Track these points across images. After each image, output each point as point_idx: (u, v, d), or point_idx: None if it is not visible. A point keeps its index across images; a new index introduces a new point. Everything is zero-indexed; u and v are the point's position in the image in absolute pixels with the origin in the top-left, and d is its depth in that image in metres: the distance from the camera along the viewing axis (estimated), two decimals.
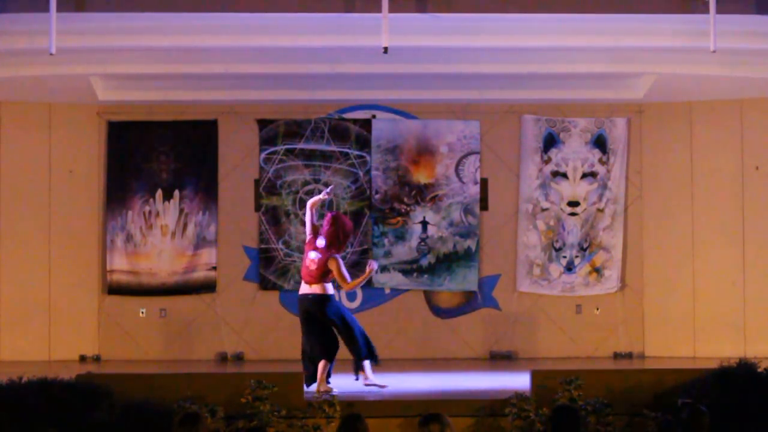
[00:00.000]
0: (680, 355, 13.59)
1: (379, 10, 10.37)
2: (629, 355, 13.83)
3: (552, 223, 13.99)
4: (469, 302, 13.93)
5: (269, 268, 13.89)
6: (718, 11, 10.48)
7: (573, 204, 14.00)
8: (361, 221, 13.92)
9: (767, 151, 13.71)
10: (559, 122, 14.03)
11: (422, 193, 13.97)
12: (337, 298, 10.40)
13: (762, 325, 13.53)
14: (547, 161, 14.02)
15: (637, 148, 14.02)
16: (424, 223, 13.94)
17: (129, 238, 13.84)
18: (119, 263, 13.82)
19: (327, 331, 10.05)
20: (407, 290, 13.94)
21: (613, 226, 13.97)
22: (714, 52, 10.62)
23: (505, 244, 13.99)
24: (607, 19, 11.32)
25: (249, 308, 13.85)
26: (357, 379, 10.13)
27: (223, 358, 13.73)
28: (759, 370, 8.95)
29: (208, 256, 13.89)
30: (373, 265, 10.39)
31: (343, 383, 10.40)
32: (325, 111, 13.99)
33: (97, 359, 13.67)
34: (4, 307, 13.62)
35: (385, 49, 10.42)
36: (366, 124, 14.01)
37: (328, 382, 9.90)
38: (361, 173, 13.97)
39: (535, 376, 9.43)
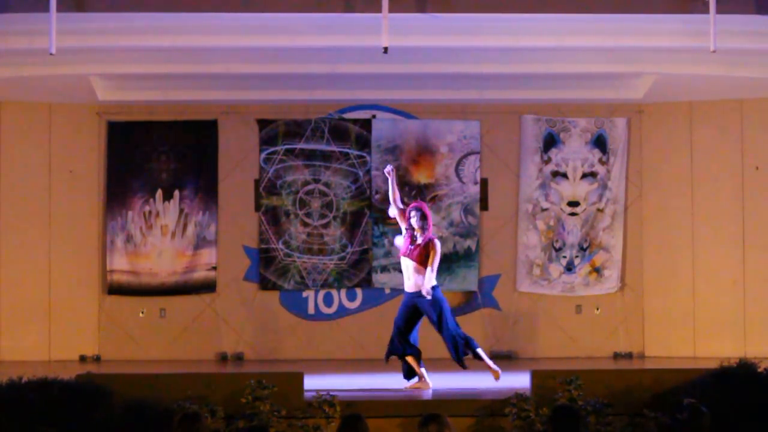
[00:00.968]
0: (680, 355, 13.60)
1: (379, 10, 10.36)
2: (629, 355, 13.83)
3: (552, 223, 13.99)
4: (469, 302, 13.93)
5: (269, 268, 13.90)
6: (718, 11, 10.48)
7: (573, 204, 14.00)
8: (361, 221, 13.93)
9: (767, 151, 13.71)
10: (559, 122, 14.03)
11: (422, 193, 13.97)
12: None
13: (762, 325, 13.54)
14: (547, 161, 14.02)
15: (637, 148, 14.03)
16: None
17: (129, 238, 13.84)
18: (119, 263, 13.82)
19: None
20: None
21: (613, 226, 13.97)
22: (714, 52, 10.61)
23: (505, 244, 13.99)
24: (607, 19, 11.31)
25: (249, 308, 13.85)
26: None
27: (223, 358, 13.73)
28: (759, 370, 8.95)
29: (208, 256, 13.90)
30: (387, 168, 10.78)
31: (343, 383, 10.41)
32: (325, 111, 13.99)
33: (97, 359, 13.67)
34: (4, 307, 13.62)
35: (385, 49, 10.41)
36: (366, 124, 14.02)
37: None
38: (361, 173, 13.97)
39: (535, 376, 9.42)
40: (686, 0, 10.90)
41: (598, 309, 13.98)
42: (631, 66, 12.68)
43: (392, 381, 11.00)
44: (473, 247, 13.92)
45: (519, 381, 9.96)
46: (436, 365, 12.93)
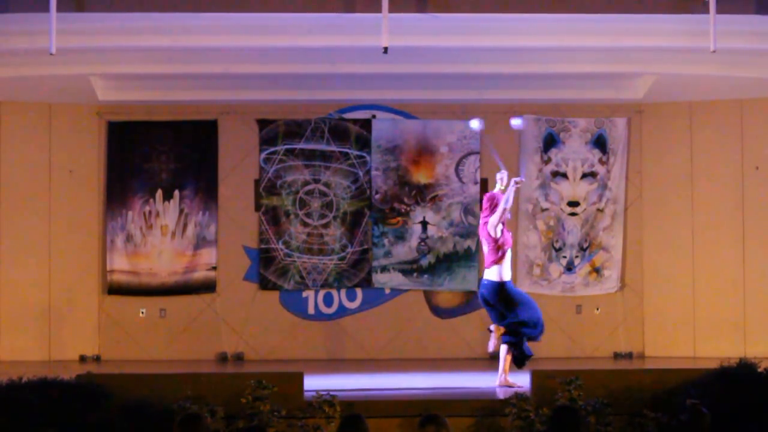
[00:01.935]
0: (680, 355, 13.60)
1: (379, 10, 10.37)
2: (629, 355, 13.83)
3: (552, 223, 13.99)
4: (469, 302, 13.93)
5: (269, 268, 13.89)
6: (718, 11, 10.48)
7: (573, 204, 14.00)
8: (361, 221, 13.93)
9: (767, 151, 13.71)
10: (559, 122, 14.04)
11: (422, 193, 13.97)
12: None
13: (762, 325, 13.54)
14: (547, 161, 14.02)
15: (637, 148, 14.03)
16: (424, 223, 13.95)
17: (129, 238, 13.84)
18: (119, 263, 13.82)
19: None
20: (407, 290, 13.94)
21: (613, 226, 13.98)
22: (714, 52, 10.61)
23: None
24: (607, 19, 11.31)
25: (249, 308, 13.85)
26: None
27: (223, 358, 13.73)
28: (759, 370, 8.96)
29: (208, 256, 13.90)
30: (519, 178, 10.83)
31: (343, 383, 10.41)
32: (325, 111, 13.99)
33: (97, 359, 13.67)
34: (4, 307, 13.62)
35: (385, 49, 10.42)
36: (366, 124, 14.02)
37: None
38: (361, 173, 13.97)
39: (535, 376, 9.43)
40: (686, 0, 10.91)
41: (598, 309, 13.98)
42: (631, 66, 12.68)
43: (392, 381, 11.01)
44: (473, 247, 13.92)
45: (519, 381, 9.96)
46: (436, 365, 12.95)
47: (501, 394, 9.89)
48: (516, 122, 11.19)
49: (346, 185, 13.97)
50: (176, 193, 13.90)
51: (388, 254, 13.91)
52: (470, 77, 13.12)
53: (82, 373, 9.56)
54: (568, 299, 13.97)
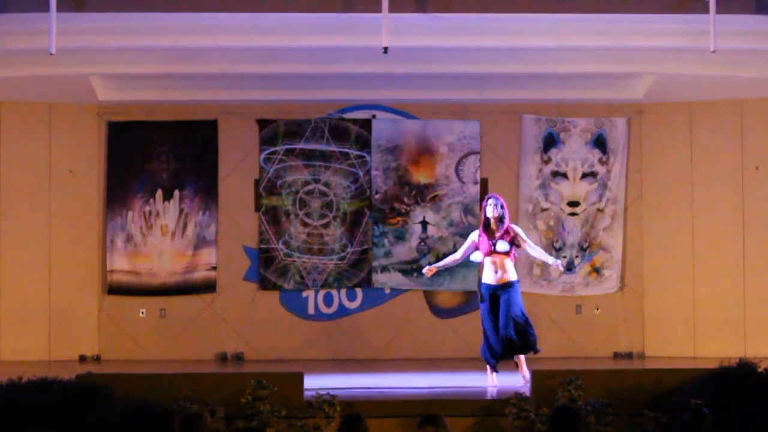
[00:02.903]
0: (680, 355, 13.59)
1: (379, 10, 10.37)
2: (629, 355, 13.83)
3: (552, 223, 13.99)
4: (469, 302, 13.92)
5: (269, 268, 13.89)
6: (718, 11, 10.48)
7: (573, 204, 14.00)
8: (361, 221, 13.93)
9: (767, 151, 13.71)
10: (559, 122, 14.03)
11: (422, 193, 13.97)
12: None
13: (762, 325, 13.54)
14: (547, 161, 14.02)
15: (637, 148, 14.03)
16: (424, 223, 13.95)
17: (129, 238, 13.84)
18: (119, 263, 13.82)
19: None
20: (407, 290, 13.94)
21: (613, 226, 13.97)
22: (714, 52, 10.61)
23: None
24: (607, 19, 11.31)
25: (249, 308, 13.85)
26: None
27: (223, 358, 13.73)
28: (759, 370, 8.95)
29: (208, 256, 13.90)
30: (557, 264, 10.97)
31: (343, 383, 10.41)
32: (325, 111, 13.99)
33: (97, 359, 13.67)
34: (4, 307, 13.61)
35: (385, 49, 10.42)
36: (366, 124, 14.01)
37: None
38: (361, 173, 13.97)
39: (535, 376, 9.43)
40: (686, 0, 10.91)
41: (598, 309, 13.97)
42: (631, 66, 12.67)
43: (392, 381, 11.01)
44: None
45: (519, 381, 9.96)
46: (436, 365, 12.95)
47: (493, 394, 9.94)
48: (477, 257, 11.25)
49: (346, 185, 13.97)
50: (176, 193, 13.90)
51: (388, 254, 13.91)
52: (470, 77, 13.12)
53: (82, 373, 9.56)
54: (568, 299, 13.97)
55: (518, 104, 13.95)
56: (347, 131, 13.99)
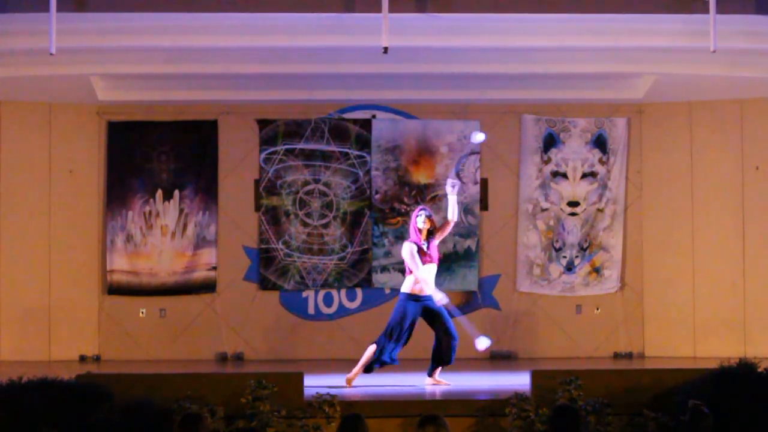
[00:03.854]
0: (680, 355, 13.60)
1: (379, 10, 10.37)
2: (629, 355, 13.83)
3: (552, 223, 13.99)
4: (469, 302, 13.93)
5: (269, 268, 13.89)
6: (718, 11, 10.48)
7: (573, 204, 14.00)
8: (361, 221, 13.93)
9: (767, 151, 13.71)
10: (559, 122, 14.04)
11: (422, 193, 13.97)
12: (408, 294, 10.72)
13: (762, 325, 13.54)
14: (547, 161, 14.02)
15: (637, 148, 14.03)
16: None
17: (129, 238, 13.84)
18: (119, 263, 13.82)
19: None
20: None
21: (613, 226, 13.98)
22: (714, 52, 10.61)
23: (505, 244, 13.99)
24: (607, 19, 11.31)
25: (249, 308, 13.85)
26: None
27: (223, 358, 13.73)
28: (759, 370, 8.95)
29: (208, 256, 13.90)
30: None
31: (343, 383, 10.41)
32: (325, 111, 13.99)
33: (97, 359, 13.67)
34: (4, 307, 13.62)
35: (385, 49, 10.42)
36: (366, 124, 14.02)
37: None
38: (361, 173, 13.97)
39: (535, 376, 9.42)
40: (686, 0, 10.90)
41: (598, 309, 13.98)
42: (631, 66, 12.67)
43: (392, 381, 11.00)
44: (473, 247, 13.92)
45: (519, 381, 9.96)
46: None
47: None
48: (479, 137, 11.11)
49: (346, 185, 13.97)
50: (176, 193, 13.91)
51: (388, 254, 13.91)
52: (470, 77, 13.12)
53: (82, 373, 9.55)
54: (568, 299, 13.97)
55: (518, 104, 13.96)
56: (347, 131, 13.99)
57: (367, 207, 13.97)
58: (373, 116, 14.04)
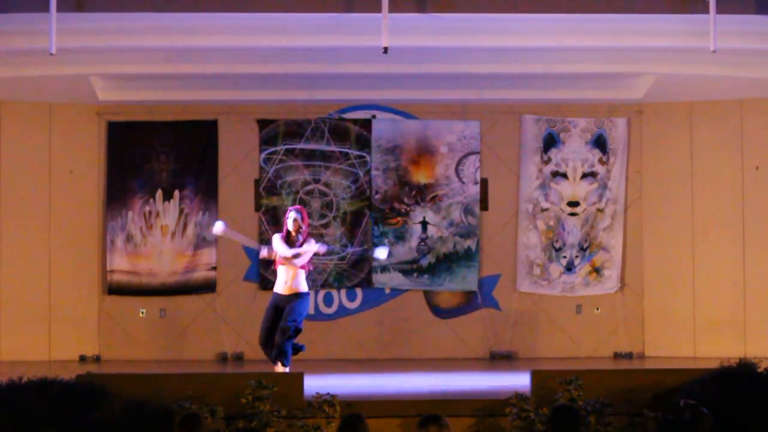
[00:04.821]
0: (680, 355, 13.60)
1: (379, 10, 10.37)
2: (629, 355, 13.83)
3: (552, 223, 13.99)
4: (469, 302, 13.93)
5: (269, 268, 13.88)
6: (718, 11, 10.48)
7: (573, 204, 14.00)
8: (361, 221, 13.93)
9: (767, 151, 13.71)
10: (559, 122, 14.03)
11: (422, 193, 13.97)
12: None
13: (762, 325, 13.54)
14: (547, 161, 14.02)
15: (637, 148, 14.03)
16: (424, 223, 13.95)
17: (129, 238, 13.84)
18: (119, 263, 13.82)
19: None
20: (407, 290, 13.94)
21: (613, 226, 13.97)
22: (714, 52, 10.61)
23: (505, 244, 13.99)
24: (607, 19, 11.32)
25: (249, 308, 13.84)
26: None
27: (223, 358, 13.73)
28: (759, 370, 8.95)
29: (208, 256, 13.90)
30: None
31: (343, 383, 10.41)
32: (325, 111, 13.99)
33: (97, 359, 13.67)
34: (4, 307, 13.62)
35: (385, 49, 10.42)
36: (366, 124, 14.02)
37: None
38: (361, 173, 13.97)
39: (535, 376, 9.42)
40: (686, 0, 10.91)
41: (598, 309, 13.97)
42: (631, 66, 12.68)
43: (392, 381, 11.01)
44: (473, 247, 13.92)
45: (519, 381, 9.96)
46: (436, 365, 12.94)
47: None
48: (383, 253, 11.24)
49: (346, 185, 13.97)
50: (176, 193, 13.91)
51: (388, 254, 13.90)
52: (470, 77, 13.12)
53: (82, 373, 9.55)
54: (568, 299, 13.97)
55: (518, 104, 13.96)
56: (347, 131, 13.99)
57: (367, 207, 13.97)
58: (373, 116, 14.04)
